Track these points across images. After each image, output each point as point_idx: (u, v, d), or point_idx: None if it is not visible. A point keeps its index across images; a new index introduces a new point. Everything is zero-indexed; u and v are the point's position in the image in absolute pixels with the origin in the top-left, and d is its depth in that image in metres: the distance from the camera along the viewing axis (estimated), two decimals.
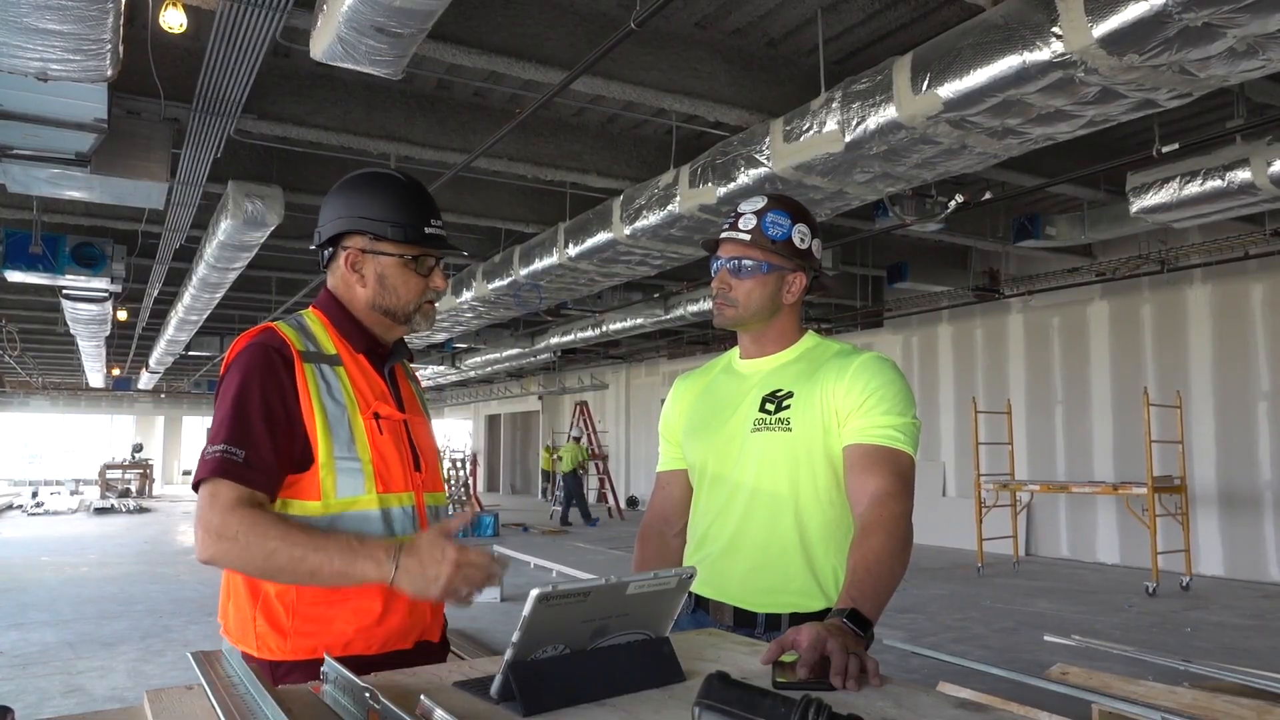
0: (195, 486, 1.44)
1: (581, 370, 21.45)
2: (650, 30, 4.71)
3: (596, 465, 18.92)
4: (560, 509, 16.63)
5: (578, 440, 17.32)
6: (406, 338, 1.74)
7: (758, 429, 1.73)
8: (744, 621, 1.69)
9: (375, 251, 1.59)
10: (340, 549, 1.38)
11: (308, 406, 1.49)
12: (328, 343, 1.58)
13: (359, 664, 1.34)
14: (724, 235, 1.77)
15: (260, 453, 1.43)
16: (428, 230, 1.60)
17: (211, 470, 1.41)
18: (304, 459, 1.48)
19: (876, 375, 1.68)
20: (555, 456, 17.86)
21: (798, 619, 1.62)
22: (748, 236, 1.74)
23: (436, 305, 1.67)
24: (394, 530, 1.52)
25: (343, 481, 1.49)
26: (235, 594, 1.52)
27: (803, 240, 1.76)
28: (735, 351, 1.90)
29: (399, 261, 1.60)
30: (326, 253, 1.65)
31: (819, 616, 1.57)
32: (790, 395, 1.72)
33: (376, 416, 1.55)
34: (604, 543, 12.47)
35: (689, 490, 1.89)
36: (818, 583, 1.67)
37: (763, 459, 1.71)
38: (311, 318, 1.63)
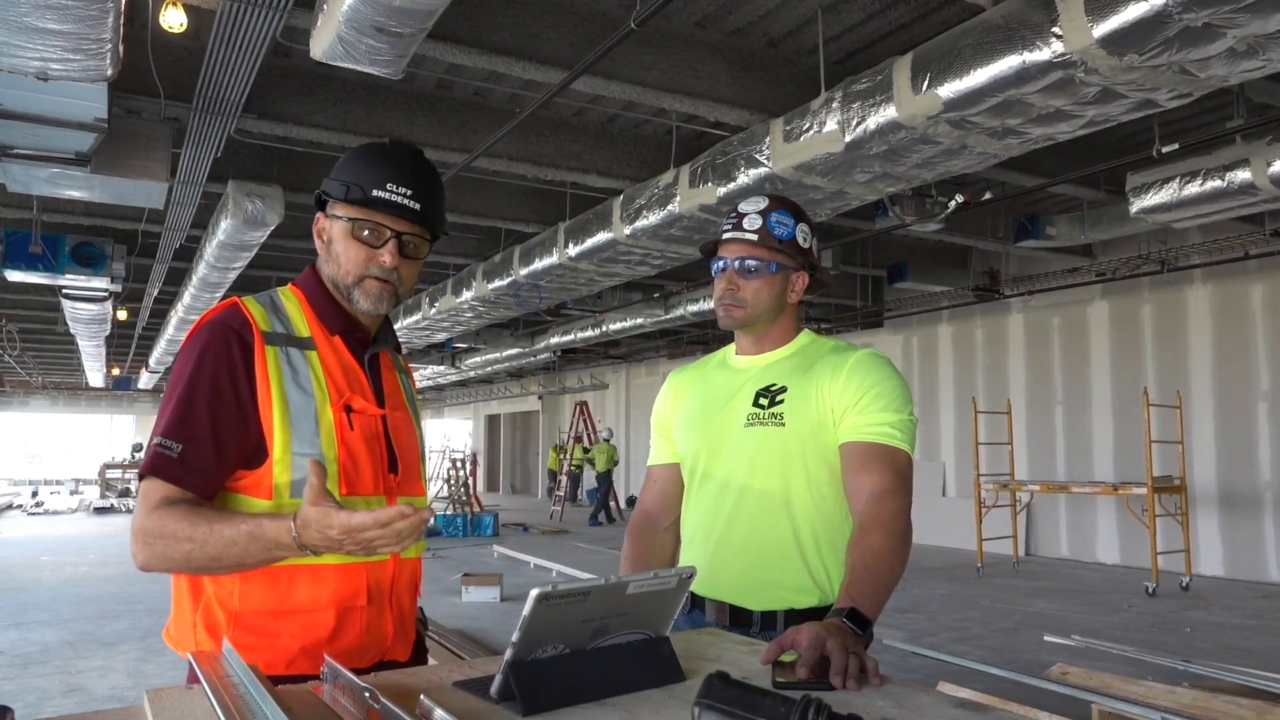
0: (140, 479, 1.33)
1: (581, 370, 21.45)
2: (650, 30, 4.71)
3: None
4: (595, 506, 16.78)
5: (608, 440, 17.41)
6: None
7: (751, 424, 1.73)
8: (739, 619, 1.68)
9: (331, 215, 1.46)
10: (248, 539, 1.24)
11: (265, 394, 1.34)
12: (301, 323, 1.43)
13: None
14: (728, 236, 1.76)
15: (199, 448, 1.30)
16: (377, 193, 1.40)
17: (146, 467, 1.30)
18: (258, 454, 1.34)
19: (872, 372, 1.68)
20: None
21: (793, 615, 1.63)
22: (755, 236, 1.73)
23: (391, 284, 1.45)
24: None
25: (299, 479, 1.32)
26: (178, 593, 1.40)
27: (805, 239, 1.77)
28: (731, 348, 1.90)
29: (343, 225, 1.43)
30: None
31: (814, 613, 1.58)
32: (784, 390, 1.72)
33: (348, 410, 1.41)
34: (604, 543, 12.48)
35: (680, 485, 1.88)
36: (812, 578, 1.67)
37: (755, 454, 1.71)
38: (287, 295, 1.47)
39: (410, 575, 1.51)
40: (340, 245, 1.44)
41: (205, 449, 1.31)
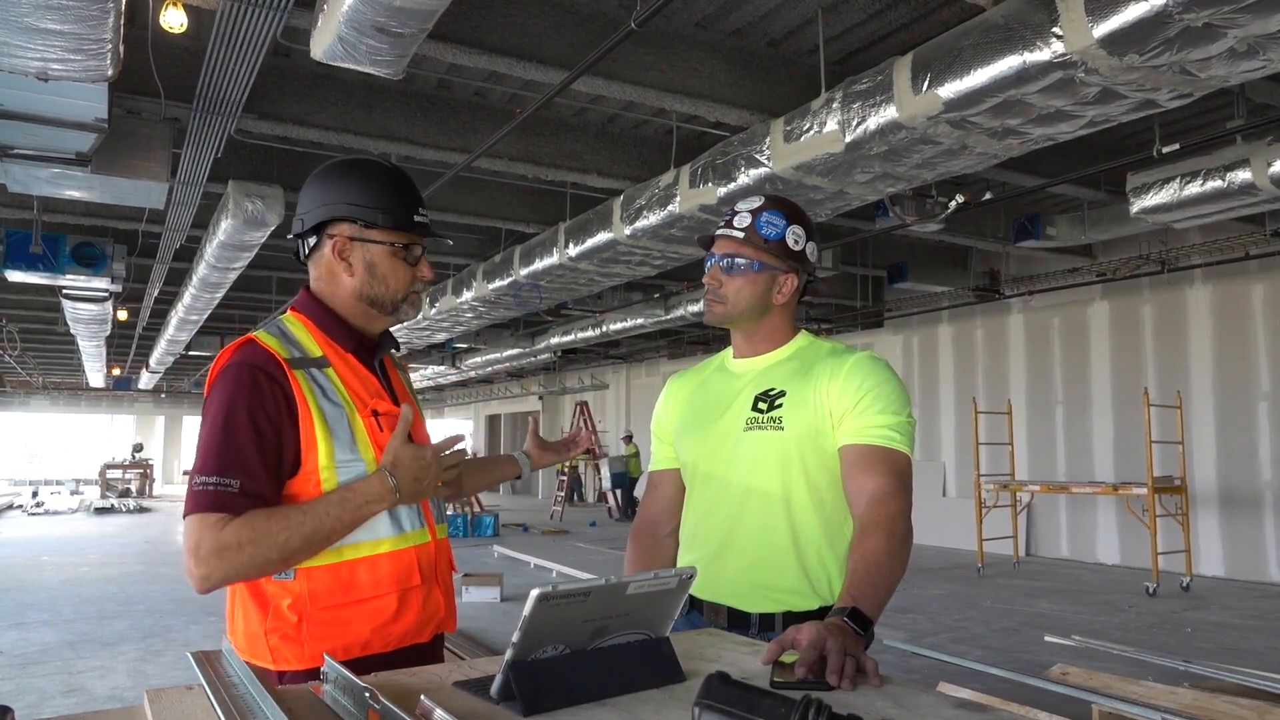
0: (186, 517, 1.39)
1: (581, 370, 21.44)
2: (650, 30, 4.71)
3: (596, 466, 18.94)
4: (618, 505, 17.01)
5: (629, 439, 17.58)
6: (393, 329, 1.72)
7: (750, 428, 1.73)
8: (738, 622, 1.68)
9: (364, 239, 1.55)
10: (339, 504, 1.42)
11: (305, 412, 1.45)
12: (312, 345, 1.54)
13: (377, 662, 1.40)
14: (719, 232, 1.78)
15: (255, 480, 1.38)
16: (415, 218, 1.57)
17: (206, 505, 1.35)
18: (293, 466, 1.45)
19: (871, 375, 1.68)
20: (581, 457, 18.10)
21: (791, 618, 1.62)
22: (741, 234, 1.74)
23: (423, 295, 1.66)
24: (402, 526, 1.52)
25: (345, 483, 1.47)
26: (244, 609, 1.49)
27: (796, 242, 1.75)
28: (729, 351, 1.90)
29: (388, 249, 1.56)
30: (308, 242, 1.59)
31: (812, 616, 1.57)
32: (783, 394, 1.72)
33: (375, 414, 1.53)
34: (604, 543, 12.48)
35: (682, 490, 1.88)
36: (810, 582, 1.66)
37: (755, 458, 1.71)
38: (292, 321, 1.58)
39: (446, 553, 1.65)
40: (386, 267, 1.57)
41: (260, 480, 1.40)
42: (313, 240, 1.59)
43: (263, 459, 1.40)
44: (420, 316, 10.70)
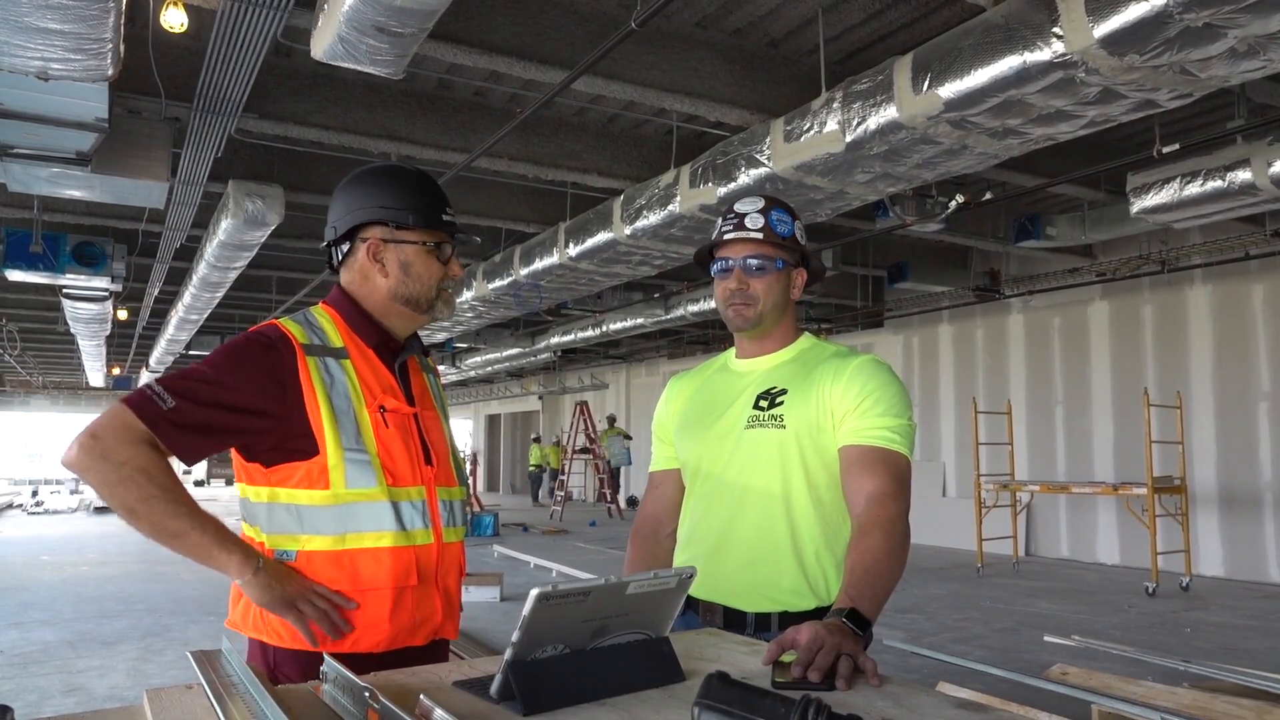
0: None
1: (581, 370, 21.44)
2: (651, 30, 4.71)
3: (597, 465, 18.93)
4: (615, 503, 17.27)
5: (612, 421, 17.81)
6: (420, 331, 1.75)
7: (751, 425, 1.73)
8: (734, 621, 1.68)
9: (397, 240, 1.60)
10: (215, 529, 1.41)
11: (312, 399, 1.49)
12: (335, 337, 1.59)
13: (370, 661, 1.41)
14: (731, 235, 1.75)
15: (188, 417, 1.40)
16: (444, 217, 1.63)
17: (133, 403, 1.39)
18: (307, 446, 1.49)
19: (873, 377, 1.68)
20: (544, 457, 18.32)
21: (788, 618, 1.62)
22: (760, 235, 1.74)
23: (454, 294, 1.69)
24: (404, 525, 1.52)
25: (353, 474, 1.50)
26: None
27: (802, 236, 1.79)
28: (731, 352, 1.90)
29: (421, 249, 1.61)
30: (342, 249, 1.64)
31: (809, 616, 1.57)
32: (784, 393, 1.73)
33: (382, 410, 1.55)
34: (604, 543, 12.47)
35: (683, 490, 1.88)
36: (808, 582, 1.66)
37: (754, 455, 1.71)
38: (320, 313, 1.63)
39: (454, 559, 1.64)
40: (420, 266, 1.62)
41: (193, 414, 1.41)
42: (345, 246, 1.63)
43: (213, 406, 1.43)
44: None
